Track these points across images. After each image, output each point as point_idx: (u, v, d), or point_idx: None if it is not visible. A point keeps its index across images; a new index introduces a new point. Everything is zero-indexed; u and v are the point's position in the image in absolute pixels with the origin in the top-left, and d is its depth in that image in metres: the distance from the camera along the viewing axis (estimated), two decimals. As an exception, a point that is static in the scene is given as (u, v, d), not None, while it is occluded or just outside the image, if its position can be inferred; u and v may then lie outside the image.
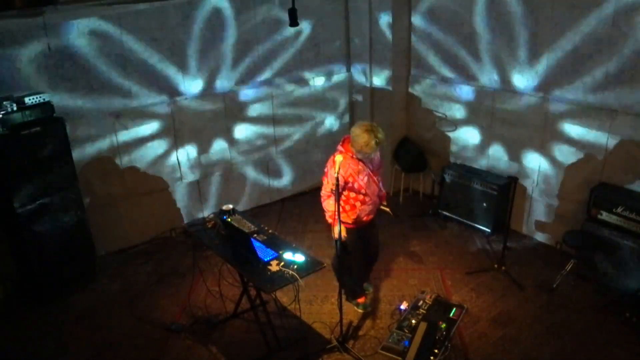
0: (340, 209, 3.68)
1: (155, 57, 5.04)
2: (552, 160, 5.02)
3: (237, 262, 3.65)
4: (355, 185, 3.86)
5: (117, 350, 4.02)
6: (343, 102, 6.57)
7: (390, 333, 4.00)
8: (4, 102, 4.10)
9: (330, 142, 6.56)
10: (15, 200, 4.24)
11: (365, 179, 3.88)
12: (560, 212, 5.07)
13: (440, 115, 5.99)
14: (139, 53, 4.95)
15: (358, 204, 3.93)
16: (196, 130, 5.52)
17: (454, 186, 5.69)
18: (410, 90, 6.24)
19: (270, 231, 3.99)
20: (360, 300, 4.36)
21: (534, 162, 5.18)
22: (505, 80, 5.23)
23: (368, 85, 6.30)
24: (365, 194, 3.91)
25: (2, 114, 4.06)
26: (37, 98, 4.25)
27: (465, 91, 5.64)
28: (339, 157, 3.53)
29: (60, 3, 4.34)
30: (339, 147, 3.90)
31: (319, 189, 6.72)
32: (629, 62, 4.24)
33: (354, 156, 3.84)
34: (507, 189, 5.07)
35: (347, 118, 6.66)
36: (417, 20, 5.88)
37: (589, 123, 4.64)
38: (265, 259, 3.57)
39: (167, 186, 5.51)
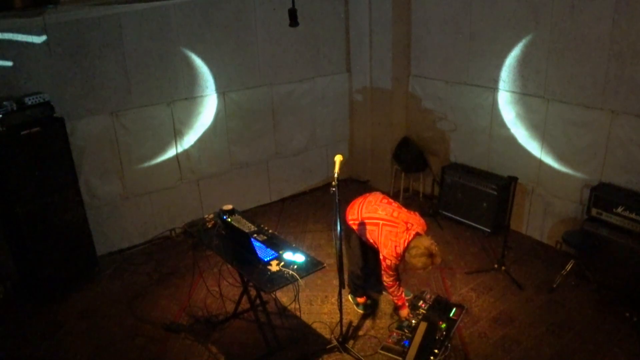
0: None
1: (155, 57, 5.04)
2: (552, 160, 5.02)
3: (237, 262, 3.65)
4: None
5: (117, 350, 4.01)
6: (343, 102, 6.57)
7: (390, 333, 4.00)
8: (4, 102, 4.09)
9: (330, 142, 6.59)
10: (15, 200, 4.24)
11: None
12: (560, 212, 5.07)
13: (440, 115, 5.99)
14: (139, 53, 4.94)
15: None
16: (196, 129, 5.52)
17: (454, 186, 5.69)
18: (410, 90, 6.24)
19: (270, 231, 3.99)
20: (361, 300, 4.36)
21: (534, 161, 5.18)
22: (505, 80, 5.23)
23: (368, 85, 6.30)
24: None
25: (2, 114, 4.06)
26: (37, 98, 4.24)
27: (465, 91, 5.64)
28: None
29: (61, 3, 4.34)
30: (407, 228, 3.74)
31: (318, 189, 6.75)
32: (629, 62, 4.24)
33: (401, 255, 3.74)
34: (507, 188, 5.08)
35: (347, 118, 6.67)
36: (417, 19, 5.89)
37: (589, 123, 4.64)
38: (265, 259, 3.57)
39: (167, 186, 5.51)
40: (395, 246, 3.71)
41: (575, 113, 4.72)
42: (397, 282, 3.96)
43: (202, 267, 4.56)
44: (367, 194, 4.13)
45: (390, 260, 3.77)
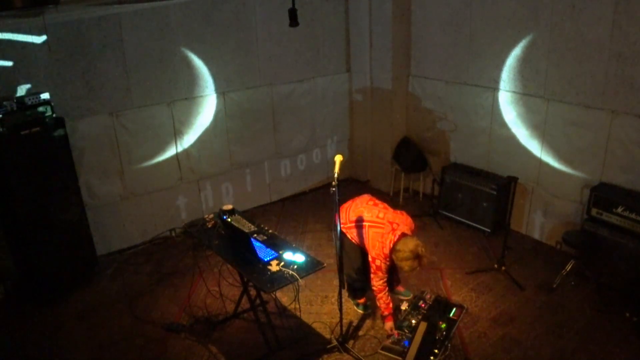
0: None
1: (155, 57, 5.04)
2: (552, 160, 5.02)
3: (237, 262, 3.65)
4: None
5: (117, 350, 4.01)
6: (343, 102, 6.57)
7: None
8: (4, 102, 4.10)
9: (330, 142, 6.59)
10: (15, 200, 4.24)
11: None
12: (560, 212, 5.07)
13: (440, 115, 5.99)
14: (139, 53, 4.94)
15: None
16: (196, 129, 5.52)
17: (454, 186, 5.69)
18: (410, 90, 6.25)
19: (270, 231, 3.99)
20: (360, 300, 4.35)
21: (534, 161, 5.18)
22: (505, 80, 5.23)
23: (368, 85, 6.30)
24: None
25: (2, 114, 4.06)
26: (37, 98, 4.24)
27: (465, 91, 5.64)
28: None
29: (60, 3, 4.34)
30: (395, 228, 3.72)
31: (319, 188, 6.73)
32: (629, 62, 4.24)
33: (390, 255, 3.70)
34: (507, 188, 5.08)
35: (347, 118, 6.67)
36: (417, 19, 5.89)
37: (589, 123, 4.64)
38: (265, 259, 3.57)
39: (167, 186, 5.51)
40: (382, 247, 3.70)
41: (575, 113, 4.72)
42: (387, 288, 3.90)
43: (202, 267, 4.56)
44: (356, 197, 4.11)
45: (380, 261, 3.75)
